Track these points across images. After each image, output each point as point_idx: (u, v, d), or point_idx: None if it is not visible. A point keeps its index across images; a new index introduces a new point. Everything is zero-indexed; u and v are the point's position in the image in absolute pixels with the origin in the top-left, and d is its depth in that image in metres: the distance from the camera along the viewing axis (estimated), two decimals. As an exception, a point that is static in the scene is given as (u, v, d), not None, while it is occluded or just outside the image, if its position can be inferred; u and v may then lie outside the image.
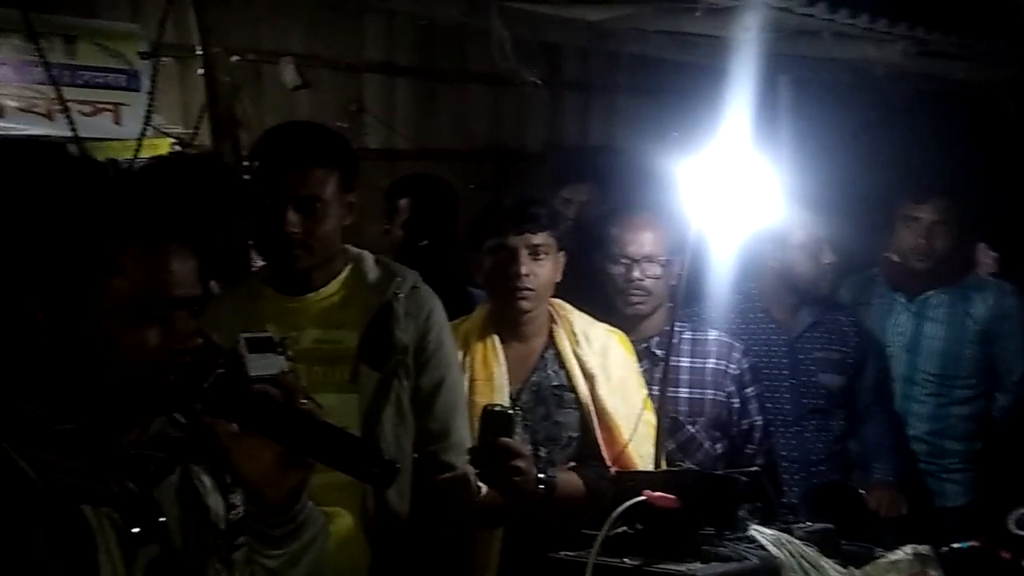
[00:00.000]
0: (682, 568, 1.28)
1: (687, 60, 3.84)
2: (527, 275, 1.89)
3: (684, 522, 1.35)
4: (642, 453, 1.89)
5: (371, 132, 3.90)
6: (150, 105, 2.47)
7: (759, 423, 2.24)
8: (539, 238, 1.92)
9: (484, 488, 1.82)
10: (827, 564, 1.34)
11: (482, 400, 1.89)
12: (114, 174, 1.06)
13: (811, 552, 1.33)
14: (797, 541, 1.35)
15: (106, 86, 3.35)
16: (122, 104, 3.30)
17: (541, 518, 1.82)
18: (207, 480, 1.11)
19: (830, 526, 1.47)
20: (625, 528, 1.38)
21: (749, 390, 2.23)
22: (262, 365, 1.13)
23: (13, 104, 3.23)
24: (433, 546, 1.71)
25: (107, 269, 0.96)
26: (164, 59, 3.55)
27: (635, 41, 3.37)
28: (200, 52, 2.28)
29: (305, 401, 1.04)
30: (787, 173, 1.98)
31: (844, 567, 1.38)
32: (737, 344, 2.24)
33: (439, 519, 1.72)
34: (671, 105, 4.58)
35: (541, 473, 1.77)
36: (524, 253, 1.90)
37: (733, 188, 1.82)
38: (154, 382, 0.98)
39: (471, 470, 1.75)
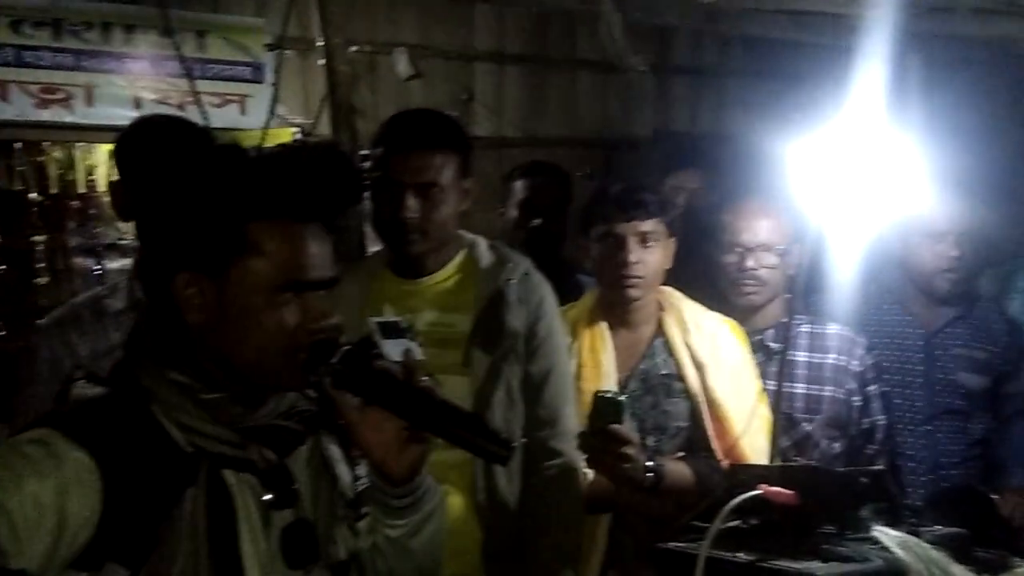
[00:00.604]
0: (799, 566, 1.23)
1: (807, 41, 3.69)
2: (636, 262, 1.87)
3: (802, 519, 1.30)
4: (755, 447, 1.84)
5: (480, 120, 3.96)
6: (275, 96, 2.57)
7: (881, 422, 2.13)
8: (648, 225, 1.89)
9: (590, 474, 1.82)
10: (958, 570, 1.26)
11: (589, 387, 1.88)
12: (255, 157, 1.09)
13: (940, 556, 1.26)
14: (925, 544, 1.27)
15: (233, 78, 3.54)
16: (247, 96, 3.48)
17: (648, 507, 1.80)
18: (336, 451, 1.16)
19: (963, 531, 1.39)
20: (739, 522, 1.34)
21: (872, 388, 2.12)
22: (397, 350, 1.17)
23: (149, 96, 3.46)
24: (542, 531, 1.72)
25: (249, 251, 1.00)
26: (286, 52, 3.72)
27: (751, 22, 3.25)
28: (321, 44, 2.34)
29: (426, 378, 1.07)
30: (917, 159, 1.87)
31: (978, 575, 1.30)
32: (860, 339, 2.14)
33: (547, 505, 1.72)
34: (787, 89, 4.42)
35: (650, 461, 1.74)
36: (632, 240, 1.88)
37: (858, 174, 1.73)
38: (289, 359, 1.02)
39: (579, 456, 1.76)
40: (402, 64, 3.76)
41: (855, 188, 1.77)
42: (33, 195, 4.04)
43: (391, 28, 3.79)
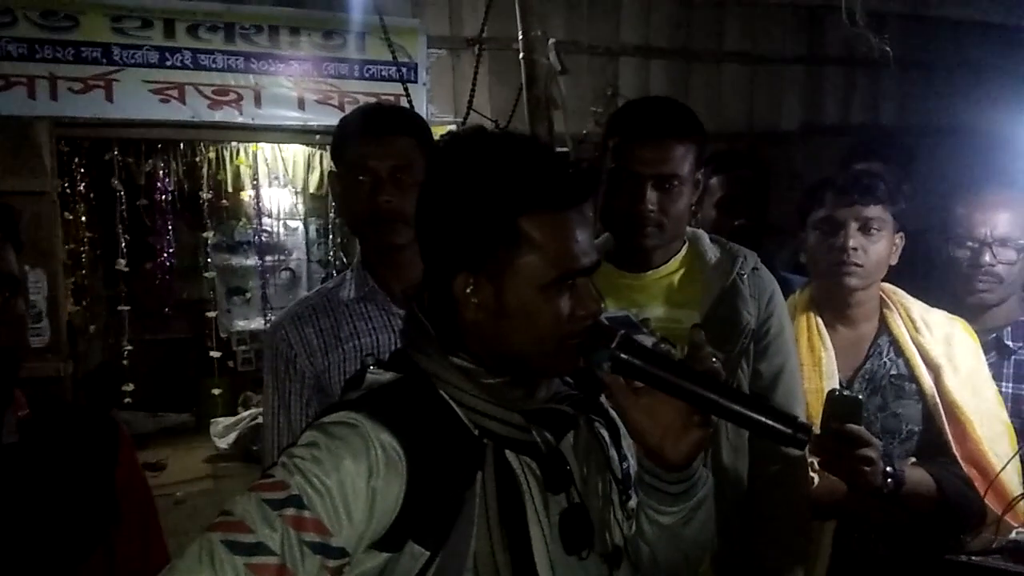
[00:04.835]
0: None
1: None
2: (855, 249, 1.77)
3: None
4: (998, 452, 1.72)
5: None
6: (472, 93, 2.58)
7: None
8: (872, 211, 1.78)
9: (816, 477, 1.75)
10: None
11: (810, 387, 1.81)
12: (514, 150, 1.06)
13: None
14: None
15: (389, 79, 3.61)
16: (402, 96, 3.54)
17: (880, 514, 1.72)
18: (606, 434, 1.15)
19: None
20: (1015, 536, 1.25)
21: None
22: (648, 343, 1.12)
23: (312, 97, 3.57)
24: (768, 533, 1.65)
25: (523, 247, 0.99)
26: (439, 51, 3.76)
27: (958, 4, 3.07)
28: (520, 37, 2.34)
29: (715, 360, 1.03)
30: None
31: None
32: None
33: (774, 507, 1.66)
34: (946, 79, 4.20)
35: (888, 466, 1.65)
36: (853, 226, 1.78)
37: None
38: (563, 346, 1.02)
39: (807, 458, 1.68)
40: (551, 59, 3.75)
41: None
42: (204, 194, 4.27)
43: (540, 25, 3.78)
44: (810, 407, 1.76)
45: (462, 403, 1.03)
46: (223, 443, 4.58)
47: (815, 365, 1.84)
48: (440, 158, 1.10)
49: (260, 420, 4.48)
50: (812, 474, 1.74)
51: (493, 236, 1.00)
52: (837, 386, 1.80)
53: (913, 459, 1.76)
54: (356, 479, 0.93)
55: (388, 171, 1.58)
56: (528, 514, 1.01)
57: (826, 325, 1.87)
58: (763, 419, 0.97)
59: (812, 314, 1.89)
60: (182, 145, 4.30)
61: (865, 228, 1.79)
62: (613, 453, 1.15)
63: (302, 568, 0.90)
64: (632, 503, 1.14)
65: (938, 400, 1.75)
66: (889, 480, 1.64)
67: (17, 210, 1.15)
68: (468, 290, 1.02)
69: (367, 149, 1.60)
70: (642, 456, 1.07)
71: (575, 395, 1.12)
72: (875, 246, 1.80)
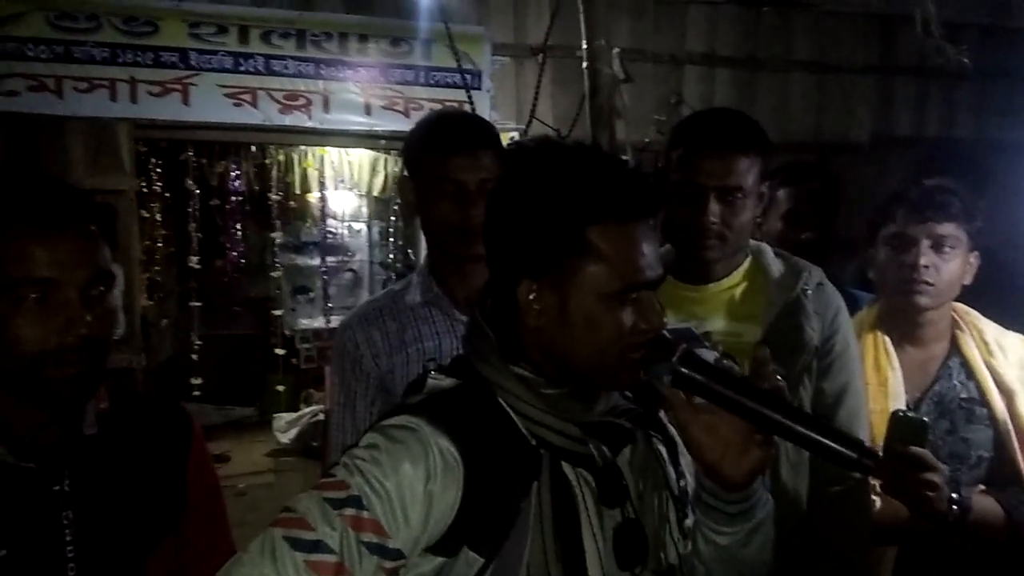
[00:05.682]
0: None
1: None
2: (926, 267, 1.72)
3: None
4: (1074, 484, 1.65)
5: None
6: (535, 101, 2.60)
7: None
8: (945, 228, 1.73)
9: (877, 501, 1.70)
10: None
11: (875, 407, 1.76)
12: (583, 160, 1.07)
13: None
14: None
15: (454, 85, 3.66)
16: (465, 103, 3.58)
17: (944, 542, 1.66)
18: (663, 450, 1.14)
19: None
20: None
21: None
22: (709, 357, 1.11)
23: (378, 103, 3.64)
24: (827, 555, 1.62)
25: (589, 257, 1.00)
26: (503, 59, 3.79)
27: None
28: (584, 46, 2.35)
29: (779, 379, 1.01)
30: None
31: None
32: None
33: (834, 529, 1.62)
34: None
35: (954, 493, 1.60)
36: (925, 244, 1.72)
37: None
38: (624, 359, 1.01)
39: (869, 481, 1.64)
40: (614, 68, 3.74)
41: None
42: (273, 195, 4.40)
43: (605, 32, 3.77)
44: (874, 428, 1.72)
45: (520, 412, 1.03)
46: (285, 438, 4.70)
47: (881, 385, 1.79)
48: (510, 166, 1.11)
49: (321, 417, 4.59)
50: (874, 497, 1.70)
51: (560, 245, 1.00)
52: (903, 407, 1.75)
53: (982, 487, 1.71)
54: (414, 482, 0.95)
55: (477, 184, 1.57)
56: (582, 527, 1.01)
57: (894, 344, 1.82)
58: (828, 442, 0.94)
59: (879, 332, 1.84)
60: (253, 148, 4.44)
61: (938, 246, 1.74)
62: (671, 470, 1.14)
63: (359, 568, 0.92)
64: (689, 522, 1.12)
65: (1010, 426, 1.69)
66: (955, 507, 1.59)
67: (115, 208, 1.20)
68: (531, 297, 1.02)
69: (457, 162, 1.58)
70: (700, 474, 1.06)
71: (634, 409, 1.12)
72: (948, 265, 1.74)
